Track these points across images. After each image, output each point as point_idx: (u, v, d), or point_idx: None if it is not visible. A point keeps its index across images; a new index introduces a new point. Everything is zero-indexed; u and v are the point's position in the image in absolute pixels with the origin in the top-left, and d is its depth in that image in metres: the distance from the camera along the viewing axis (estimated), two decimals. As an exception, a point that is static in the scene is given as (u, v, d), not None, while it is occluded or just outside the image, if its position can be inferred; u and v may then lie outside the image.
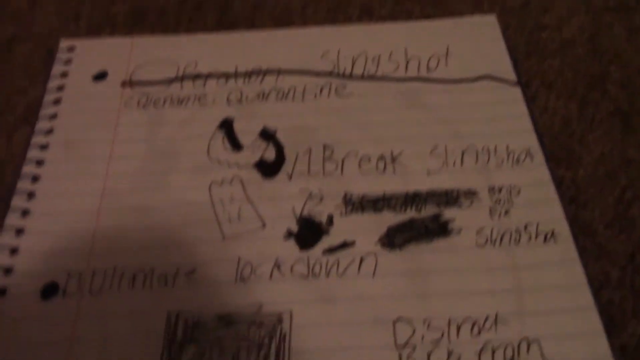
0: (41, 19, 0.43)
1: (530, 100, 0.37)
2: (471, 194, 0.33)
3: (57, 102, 0.38)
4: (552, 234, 0.31)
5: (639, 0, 0.42)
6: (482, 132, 0.35)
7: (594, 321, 0.29)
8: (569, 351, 0.28)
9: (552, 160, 0.34)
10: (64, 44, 0.41)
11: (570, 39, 0.40)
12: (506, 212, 0.32)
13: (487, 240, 0.31)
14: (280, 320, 0.29)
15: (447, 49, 0.40)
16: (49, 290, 0.30)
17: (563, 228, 0.31)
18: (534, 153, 0.34)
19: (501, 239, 0.31)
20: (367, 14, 0.42)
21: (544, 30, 0.41)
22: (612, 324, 0.29)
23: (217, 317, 0.30)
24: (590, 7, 0.42)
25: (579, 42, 0.40)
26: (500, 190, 0.33)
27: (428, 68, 0.39)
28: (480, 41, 0.40)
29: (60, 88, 0.38)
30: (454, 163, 0.34)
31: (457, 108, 0.37)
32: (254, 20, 0.42)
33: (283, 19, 0.42)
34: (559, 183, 0.33)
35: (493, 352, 0.28)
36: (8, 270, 0.31)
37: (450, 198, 0.33)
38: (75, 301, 0.30)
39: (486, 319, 0.29)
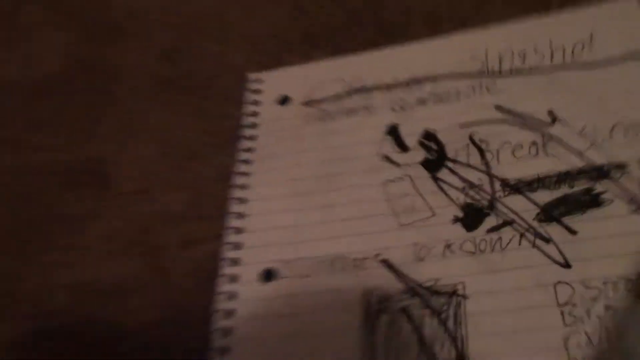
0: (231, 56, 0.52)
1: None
2: (621, 167, 0.36)
3: (253, 125, 0.46)
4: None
5: None
6: (630, 107, 0.38)
7: None
8: None
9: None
10: (252, 76, 0.49)
11: None
12: (656, 182, 0.35)
13: (639, 207, 0.35)
14: (454, 290, 0.35)
15: (591, 35, 0.42)
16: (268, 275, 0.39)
17: None
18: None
19: (652, 207, 0.34)
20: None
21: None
22: None
23: (402, 291, 0.36)
24: None
25: None
26: (649, 161, 0.36)
27: (573, 55, 0.42)
28: (622, 24, 0.42)
29: (255, 114, 0.47)
30: (603, 140, 0.38)
31: (604, 88, 0.40)
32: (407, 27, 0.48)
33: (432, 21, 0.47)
34: None
35: (650, 307, 0.31)
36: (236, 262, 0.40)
37: (600, 173, 0.36)
38: (288, 283, 0.38)
39: (641, 278, 0.32)
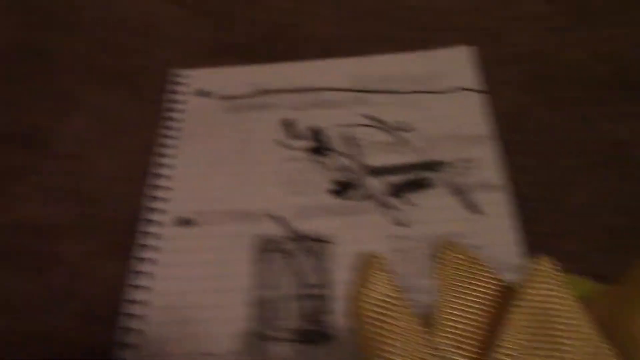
0: (159, 53, 0.64)
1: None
2: (445, 164, 0.52)
3: (179, 111, 0.58)
4: (495, 187, 0.50)
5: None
6: (457, 124, 0.54)
7: None
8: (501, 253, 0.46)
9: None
10: (179, 72, 0.61)
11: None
12: (467, 174, 0.51)
13: (454, 190, 0.50)
14: (325, 239, 0.48)
15: (437, 70, 0.58)
16: (185, 222, 0.50)
17: (500, 183, 0.50)
18: (487, 139, 0.53)
19: (463, 191, 0.50)
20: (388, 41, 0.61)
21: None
22: None
23: (287, 237, 0.49)
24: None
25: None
26: (465, 161, 0.52)
27: (423, 83, 0.57)
28: (457, 64, 0.58)
29: (180, 102, 0.59)
30: (435, 145, 0.53)
31: (442, 109, 0.55)
32: (307, 49, 0.61)
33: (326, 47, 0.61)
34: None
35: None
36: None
37: (432, 166, 0.52)
38: (199, 229, 0.50)
39: (452, 235, 0.47)
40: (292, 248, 0.48)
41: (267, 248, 0.48)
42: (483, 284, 0.25)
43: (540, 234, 0.47)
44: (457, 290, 0.25)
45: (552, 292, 0.23)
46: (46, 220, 0.53)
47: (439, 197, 0.50)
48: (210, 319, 0.45)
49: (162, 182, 0.53)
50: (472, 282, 0.25)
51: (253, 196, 0.51)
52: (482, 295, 0.25)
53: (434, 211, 0.49)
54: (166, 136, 0.56)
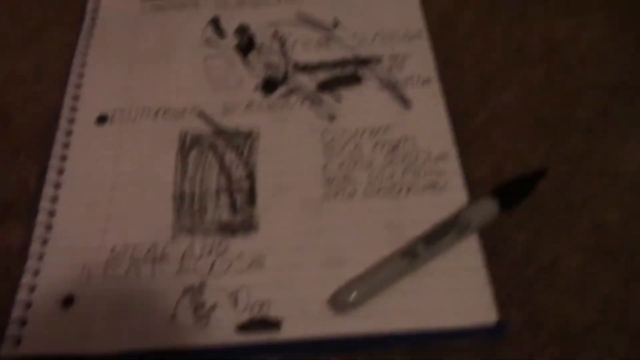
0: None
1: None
2: (377, 59, 0.50)
3: (94, 10, 0.55)
4: (427, 80, 0.49)
5: None
6: (388, 20, 0.52)
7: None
8: (429, 143, 0.45)
9: (433, 39, 0.52)
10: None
11: None
12: (400, 69, 0.49)
13: (385, 84, 0.49)
14: (251, 132, 0.47)
15: None
16: (102, 119, 0.48)
17: (434, 77, 0.49)
18: (421, 34, 0.51)
19: (395, 85, 0.49)
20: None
21: None
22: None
23: (211, 132, 0.47)
24: None
25: None
26: (397, 57, 0.50)
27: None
28: None
29: (96, 2, 0.55)
30: (368, 41, 0.51)
31: (373, 5, 0.53)
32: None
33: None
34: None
35: (383, 145, 0.45)
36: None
37: (363, 62, 0.50)
38: (119, 126, 0.47)
39: (380, 127, 0.46)
40: (217, 143, 0.46)
41: (192, 143, 0.46)
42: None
43: (469, 128, 0.47)
44: None
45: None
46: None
47: (368, 92, 0.49)
48: (133, 212, 0.43)
49: (76, 80, 0.50)
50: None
51: (177, 93, 0.49)
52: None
53: (363, 105, 0.48)
54: (83, 36, 0.53)
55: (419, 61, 0.50)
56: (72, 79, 0.50)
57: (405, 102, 0.48)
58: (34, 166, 0.46)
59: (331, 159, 0.45)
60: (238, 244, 0.41)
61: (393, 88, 0.48)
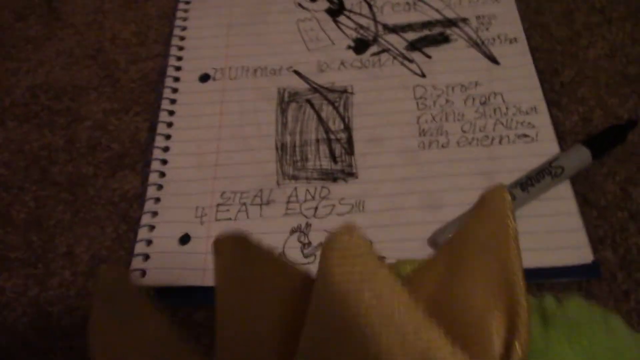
0: None
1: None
2: (464, 20, 0.52)
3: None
4: (515, 39, 0.50)
5: None
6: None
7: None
8: (518, 97, 0.47)
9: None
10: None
11: None
12: (487, 29, 0.51)
13: (473, 43, 0.50)
14: (345, 89, 0.49)
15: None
16: (205, 77, 0.51)
17: (521, 36, 0.50)
18: None
19: (482, 43, 0.50)
20: None
21: None
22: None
23: (307, 89, 0.49)
24: None
25: None
26: (483, 17, 0.52)
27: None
28: None
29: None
30: (454, 3, 0.53)
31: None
32: None
33: None
34: None
35: (473, 99, 0.47)
36: (178, 68, 0.52)
37: (451, 22, 0.52)
38: (221, 84, 0.50)
39: (470, 83, 0.48)
40: (314, 99, 0.49)
41: (289, 99, 0.49)
42: (280, 277, 0.20)
43: (557, 82, 0.48)
44: (244, 287, 0.19)
45: (355, 274, 0.18)
46: (69, 82, 0.53)
47: (456, 50, 0.50)
48: (238, 162, 0.46)
49: (178, 43, 0.53)
50: (265, 275, 0.20)
51: (272, 53, 0.52)
52: (280, 291, 0.20)
53: (452, 62, 0.50)
54: (180, 1, 0.56)
55: (506, 21, 0.52)
56: (174, 41, 0.53)
57: (493, 59, 0.49)
58: (144, 122, 0.50)
59: (424, 112, 0.47)
60: (339, 190, 0.44)
61: (481, 46, 0.50)
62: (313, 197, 0.44)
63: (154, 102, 0.50)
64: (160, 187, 0.45)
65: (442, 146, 0.45)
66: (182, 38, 0.54)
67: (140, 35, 0.56)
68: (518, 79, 0.48)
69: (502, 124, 0.46)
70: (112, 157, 0.48)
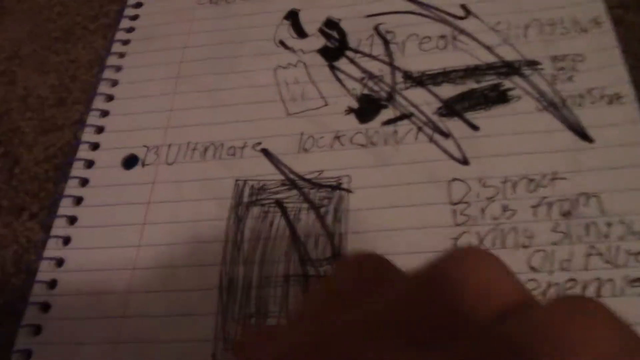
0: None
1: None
2: (533, 63, 0.33)
3: (137, 5, 0.40)
4: (617, 96, 0.30)
5: None
6: (546, 6, 0.35)
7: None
8: (629, 206, 0.27)
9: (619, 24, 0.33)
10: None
11: None
12: (569, 79, 0.32)
13: (548, 104, 0.31)
14: (339, 183, 0.31)
15: None
16: (130, 162, 0.33)
17: (628, 91, 0.30)
18: (601, 21, 0.33)
19: (563, 103, 0.31)
20: None
21: None
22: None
23: (280, 183, 0.31)
24: None
25: None
26: (563, 58, 0.32)
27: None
28: None
29: (141, -5, 0.41)
30: (516, 37, 0.34)
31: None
32: None
33: None
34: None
35: (550, 206, 0.28)
36: (96, 146, 0.34)
37: (511, 69, 0.33)
38: (153, 170, 0.33)
39: (543, 177, 0.29)
40: (288, 199, 0.31)
41: (251, 199, 0.31)
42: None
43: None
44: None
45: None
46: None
47: (520, 116, 0.31)
48: (152, 315, 0.28)
49: (101, 105, 0.36)
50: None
51: (233, 121, 0.34)
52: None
53: (512, 138, 0.30)
54: (116, 41, 0.39)
55: (602, 64, 0.32)
56: (97, 103, 0.36)
57: (581, 132, 0.30)
58: (37, 232, 0.33)
59: (466, 230, 0.28)
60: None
61: (560, 109, 0.31)
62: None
63: (53, 200, 0.33)
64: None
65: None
66: (109, 98, 0.36)
67: (58, 92, 0.39)
68: (627, 169, 0.28)
69: (601, 255, 0.26)
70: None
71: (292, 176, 0.31)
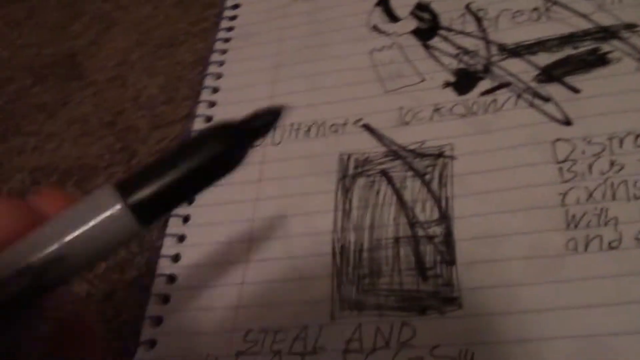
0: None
1: None
2: (631, 26, 0.33)
3: (235, 6, 0.43)
4: None
5: None
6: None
7: None
8: None
9: None
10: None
11: None
12: (672, 37, 0.31)
13: (650, 62, 0.31)
14: (441, 152, 0.31)
15: None
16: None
17: None
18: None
19: (666, 61, 0.31)
20: None
21: None
22: None
23: (383, 154, 0.32)
24: None
25: None
26: (664, 18, 0.32)
27: None
28: None
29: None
30: (612, 2, 0.34)
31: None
32: None
33: None
34: None
35: (660, 158, 0.28)
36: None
37: (608, 33, 0.33)
38: (261, 151, 0.35)
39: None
40: (393, 168, 0.32)
41: (356, 171, 0.32)
42: None
43: None
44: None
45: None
46: (77, 161, 0.41)
47: (621, 76, 0.31)
48: (273, 280, 0.30)
49: (209, 97, 0.39)
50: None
51: (334, 101, 0.35)
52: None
53: (615, 97, 0.31)
54: (218, 39, 0.42)
55: None
56: (204, 95, 0.39)
57: (688, 87, 0.29)
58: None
59: (573, 186, 0.28)
60: (430, 328, 0.26)
61: (664, 67, 0.31)
62: (387, 343, 0.26)
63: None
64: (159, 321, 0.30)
65: (610, 246, 0.26)
66: (215, 90, 0.39)
67: (167, 91, 0.42)
68: None
69: None
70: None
71: (394, 147, 0.32)
